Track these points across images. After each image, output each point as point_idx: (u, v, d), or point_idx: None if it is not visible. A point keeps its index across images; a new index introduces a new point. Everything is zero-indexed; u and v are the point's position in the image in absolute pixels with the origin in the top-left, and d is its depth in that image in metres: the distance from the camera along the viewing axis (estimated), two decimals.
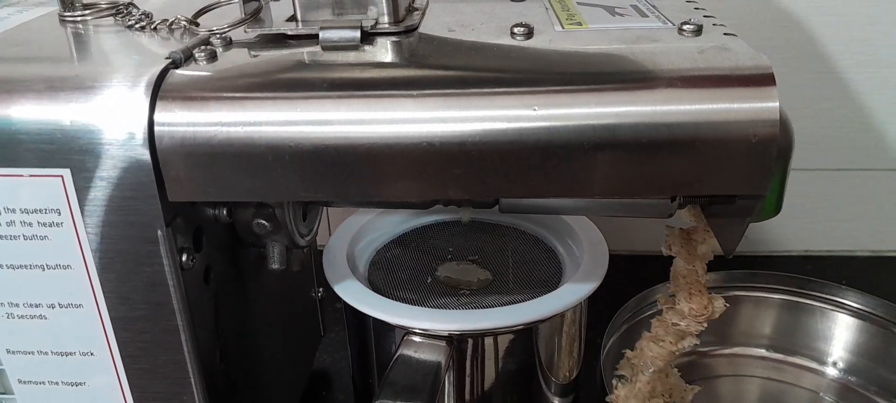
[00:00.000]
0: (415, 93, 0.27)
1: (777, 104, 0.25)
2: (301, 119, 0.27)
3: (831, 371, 0.49)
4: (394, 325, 0.34)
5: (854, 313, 0.48)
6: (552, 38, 0.30)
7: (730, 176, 0.26)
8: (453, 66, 0.28)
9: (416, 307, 0.35)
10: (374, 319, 0.35)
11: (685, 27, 0.29)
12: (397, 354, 0.33)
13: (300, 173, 0.27)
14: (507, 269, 0.42)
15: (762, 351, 0.50)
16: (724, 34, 0.29)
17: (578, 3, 0.35)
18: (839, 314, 0.48)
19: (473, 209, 0.42)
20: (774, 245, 0.67)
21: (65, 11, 0.36)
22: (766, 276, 0.50)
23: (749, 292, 0.50)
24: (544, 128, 0.26)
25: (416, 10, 0.34)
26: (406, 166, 0.27)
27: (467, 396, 0.37)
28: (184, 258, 0.30)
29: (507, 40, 0.30)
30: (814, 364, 0.49)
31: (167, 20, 0.34)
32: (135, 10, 0.35)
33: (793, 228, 0.66)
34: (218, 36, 0.31)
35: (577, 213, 0.40)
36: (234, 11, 0.33)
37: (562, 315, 0.37)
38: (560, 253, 0.42)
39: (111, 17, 0.35)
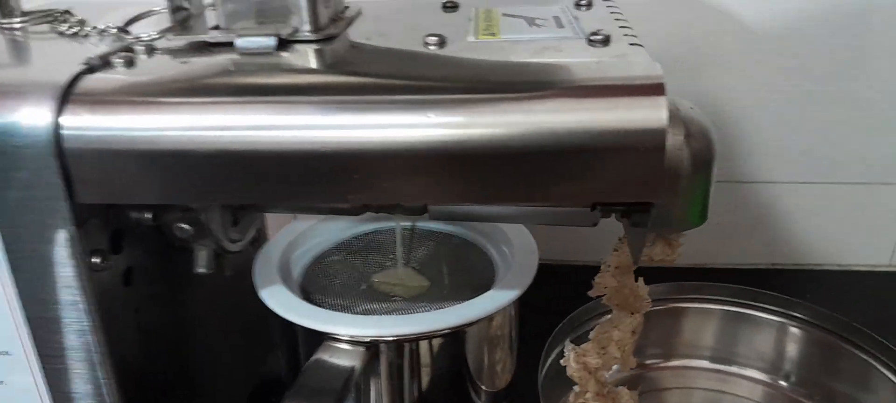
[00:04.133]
0: (316, 99, 0.27)
1: (664, 113, 0.25)
2: (203, 124, 0.27)
3: (778, 383, 0.48)
4: (309, 330, 0.34)
5: (800, 324, 0.48)
6: (462, 48, 0.30)
7: (621, 183, 0.26)
8: (359, 74, 0.29)
9: (332, 312, 0.36)
10: (294, 324, 0.35)
11: (593, 38, 0.30)
12: (312, 358, 0.33)
13: (203, 177, 0.27)
14: (445, 277, 0.42)
15: (707, 363, 0.50)
16: (630, 45, 0.29)
17: (504, 15, 0.35)
18: (786, 325, 0.48)
19: (405, 215, 0.42)
20: (742, 258, 0.67)
21: (3, 18, 0.36)
22: (711, 288, 0.50)
23: (695, 304, 0.50)
24: (438, 135, 0.26)
25: (343, 19, 0.34)
26: (305, 171, 0.27)
27: (391, 397, 0.37)
28: (96, 259, 0.30)
29: (419, 49, 0.30)
30: (761, 376, 0.49)
31: (97, 27, 0.34)
32: (71, 17, 0.36)
33: (760, 241, 0.66)
34: (141, 43, 0.32)
35: (504, 221, 0.40)
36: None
37: (486, 321, 0.37)
38: (496, 261, 0.42)
39: (47, 24, 0.36)
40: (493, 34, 0.32)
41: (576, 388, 0.39)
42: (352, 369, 0.33)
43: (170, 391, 0.38)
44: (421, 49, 0.30)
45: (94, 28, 0.34)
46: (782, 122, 0.60)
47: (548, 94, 0.26)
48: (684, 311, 0.50)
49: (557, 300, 0.48)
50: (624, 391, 0.40)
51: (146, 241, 0.35)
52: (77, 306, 0.30)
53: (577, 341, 0.45)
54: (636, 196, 0.27)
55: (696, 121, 0.33)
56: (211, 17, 0.35)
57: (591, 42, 0.30)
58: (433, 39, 0.30)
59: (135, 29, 0.34)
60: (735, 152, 0.62)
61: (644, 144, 0.26)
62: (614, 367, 0.39)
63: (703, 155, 0.33)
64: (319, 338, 0.35)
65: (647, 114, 0.25)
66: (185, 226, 0.34)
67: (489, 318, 0.37)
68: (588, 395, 0.39)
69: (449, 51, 0.30)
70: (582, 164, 0.26)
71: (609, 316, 0.39)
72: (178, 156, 0.27)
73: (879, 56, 0.57)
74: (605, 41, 0.30)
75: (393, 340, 0.35)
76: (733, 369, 0.49)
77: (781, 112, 0.60)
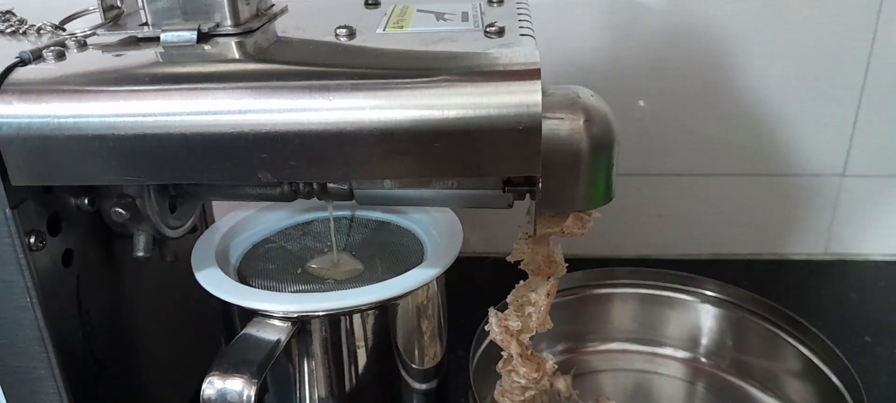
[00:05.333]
0: (225, 85, 0.29)
1: (539, 96, 0.28)
2: (122, 110, 0.29)
3: (697, 359, 0.51)
4: (242, 309, 0.37)
5: (714, 302, 0.50)
6: (368, 39, 0.33)
7: (505, 160, 0.29)
8: (267, 62, 0.31)
9: (256, 290, 0.38)
10: (232, 305, 0.38)
11: (489, 30, 0.32)
12: (241, 333, 0.35)
13: (123, 158, 0.30)
14: (378, 261, 0.44)
15: (633, 345, 0.52)
16: (520, 35, 0.32)
17: (418, 11, 0.38)
18: (700, 304, 0.51)
19: (332, 200, 0.44)
20: (684, 248, 0.69)
21: None
22: (622, 272, 0.53)
23: (610, 289, 0.52)
24: (336, 118, 0.29)
25: (265, 15, 0.37)
26: (216, 151, 0.29)
27: (323, 376, 0.39)
28: (33, 240, 0.33)
29: (329, 40, 0.33)
30: (681, 353, 0.52)
31: (35, 25, 0.37)
32: (12, 17, 0.38)
33: (700, 232, 0.69)
34: (73, 39, 0.34)
35: (426, 205, 0.42)
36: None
37: (410, 299, 0.39)
38: (427, 246, 0.44)
39: None
40: (401, 27, 0.34)
41: (503, 355, 0.42)
42: (276, 342, 0.35)
43: (113, 369, 0.40)
44: (331, 40, 0.33)
45: (33, 26, 0.37)
46: (720, 118, 0.63)
47: (436, 80, 0.29)
48: (609, 296, 0.52)
49: (491, 289, 0.51)
50: (545, 359, 0.43)
51: (87, 226, 0.37)
52: (15, 283, 0.32)
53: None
54: (518, 170, 0.29)
55: (596, 108, 0.36)
56: (142, 15, 0.38)
57: (487, 33, 0.32)
58: (343, 31, 0.33)
59: (71, 26, 0.36)
60: (677, 147, 0.65)
61: (522, 123, 0.28)
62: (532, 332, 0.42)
63: (602, 138, 0.36)
64: (247, 316, 0.38)
65: (523, 97, 0.28)
66: (121, 211, 0.37)
67: (413, 296, 0.39)
68: (514, 361, 0.41)
69: (356, 42, 0.33)
70: (467, 143, 0.29)
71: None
72: (101, 139, 0.30)
73: (808, 55, 0.60)
74: (500, 32, 0.32)
75: (315, 315, 0.37)
76: (657, 349, 0.52)
77: (720, 108, 0.63)
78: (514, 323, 0.40)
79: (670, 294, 0.51)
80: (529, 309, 0.40)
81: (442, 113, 0.28)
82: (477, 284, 0.49)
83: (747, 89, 0.62)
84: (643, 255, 0.69)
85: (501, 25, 0.32)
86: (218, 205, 0.49)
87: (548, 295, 0.40)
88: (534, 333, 0.41)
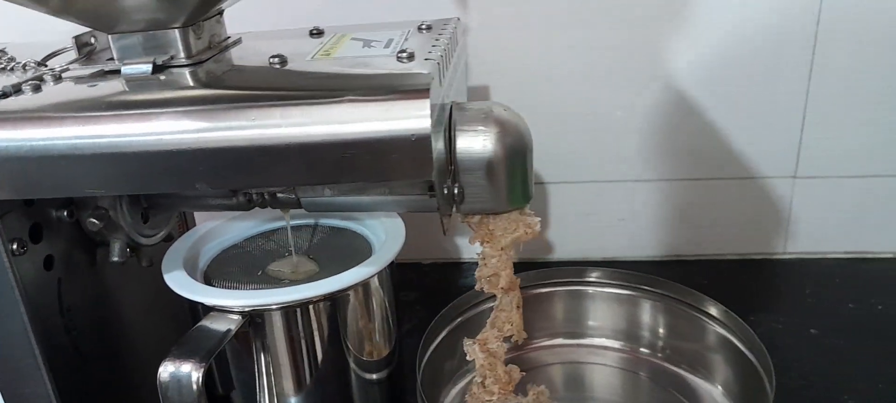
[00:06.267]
0: (169, 110, 0.35)
1: (428, 111, 0.33)
2: (84, 133, 0.35)
3: (642, 351, 0.55)
4: (199, 303, 0.42)
5: (657, 298, 0.54)
6: (297, 66, 0.38)
7: (403, 167, 0.34)
8: (207, 88, 0.37)
9: (213, 288, 0.43)
10: (196, 303, 0.43)
11: (400, 55, 0.37)
12: (195, 325, 0.40)
13: (86, 174, 0.35)
14: (334, 262, 0.49)
15: (573, 340, 0.56)
16: (425, 59, 0.37)
17: (352, 38, 0.43)
18: (635, 297, 0.54)
19: (285, 209, 0.49)
20: (648, 250, 0.73)
21: None
22: (551, 271, 0.57)
23: (550, 288, 0.57)
24: (259, 134, 0.34)
25: (218, 47, 0.42)
26: (161, 165, 0.35)
27: (277, 367, 0.44)
28: (15, 246, 0.38)
29: (265, 67, 0.38)
30: (618, 344, 0.55)
31: (21, 62, 0.42)
32: (3, 55, 0.44)
33: (662, 234, 0.72)
34: (51, 73, 0.40)
35: (363, 210, 0.47)
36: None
37: (353, 294, 0.44)
38: (376, 248, 0.49)
39: None
40: (328, 54, 0.39)
41: (477, 379, 0.46)
42: (226, 332, 0.40)
43: (96, 361, 0.45)
44: (266, 67, 0.38)
45: (19, 63, 0.42)
46: (679, 125, 0.67)
47: (343, 100, 0.33)
48: (549, 295, 0.57)
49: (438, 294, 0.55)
50: (514, 368, 0.47)
51: (67, 234, 0.43)
52: (4, 285, 0.38)
53: (457, 333, 0.52)
54: (416, 175, 0.34)
55: (508, 121, 0.40)
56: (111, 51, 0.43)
57: (398, 58, 0.37)
58: (275, 60, 0.38)
59: (52, 62, 0.42)
60: (636, 153, 0.68)
61: (414, 135, 0.33)
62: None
63: (515, 147, 0.40)
64: (208, 312, 0.43)
65: (414, 111, 0.33)
66: (96, 221, 0.42)
67: (354, 291, 0.44)
68: (488, 380, 0.46)
69: (286, 68, 0.38)
70: (370, 153, 0.33)
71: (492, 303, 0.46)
72: (66, 158, 0.35)
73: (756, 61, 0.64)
74: (410, 57, 0.37)
75: (265, 309, 0.42)
76: (597, 341, 0.56)
77: (678, 115, 0.66)
78: (495, 345, 0.45)
79: (607, 289, 0.55)
80: (508, 327, 0.45)
81: (348, 128, 0.33)
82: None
83: (701, 96, 0.65)
84: (608, 258, 0.73)
85: (412, 50, 0.37)
86: (199, 215, 0.54)
87: (518, 308, 0.45)
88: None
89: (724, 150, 0.68)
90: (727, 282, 0.69)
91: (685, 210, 0.71)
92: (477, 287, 0.45)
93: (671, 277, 0.56)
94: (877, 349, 0.57)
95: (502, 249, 0.43)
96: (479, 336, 0.46)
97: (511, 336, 0.46)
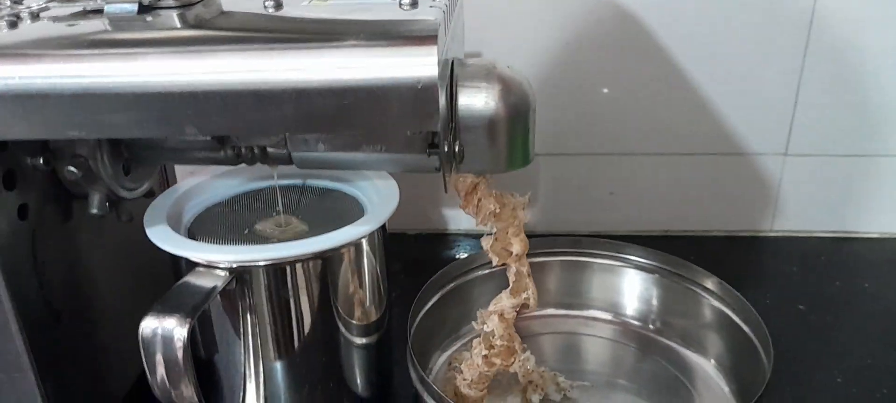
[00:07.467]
0: (157, 50, 0.33)
1: (436, 58, 0.31)
2: (63, 72, 0.33)
3: (634, 323, 0.54)
4: (183, 259, 0.40)
5: (652, 270, 0.53)
6: (293, 10, 0.36)
7: (407, 117, 0.32)
8: (198, 30, 0.34)
9: (198, 243, 0.41)
10: (180, 259, 0.41)
11: (403, 2, 0.35)
12: (180, 281, 0.38)
13: (64, 115, 0.33)
14: (324, 223, 0.47)
15: (564, 310, 0.56)
16: (430, 7, 0.35)
17: None
18: (626, 269, 0.54)
19: (274, 165, 0.47)
20: (636, 225, 0.72)
21: None
22: (546, 241, 0.56)
23: (543, 258, 0.56)
24: (253, 78, 0.32)
25: None
26: (147, 108, 0.32)
27: (263, 326, 0.42)
28: None
29: (258, 11, 0.36)
30: (609, 315, 0.55)
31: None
32: None
33: (651, 209, 0.72)
34: (27, 11, 0.38)
35: (357, 168, 0.45)
36: None
37: (340, 253, 0.42)
38: (368, 209, 0.47)
39: None
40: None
41: (481, 350, 0.45)
42: (212, 289, 0.38)
43: (70, 319, 0.43)
44: (260, 11, 0.36)
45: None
46: (670, 100, 0.66)
47: (344, 44, 0.32)
48: (541, 265, 0.56)
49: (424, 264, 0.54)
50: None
51: (43, 184, 0.41)
52: None
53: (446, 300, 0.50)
54: (420, 126, 0.32)
55: (511, 78, 0.39)
56: None
57: (400, 5, 0.35)
58: (270, 3, 0.36)
59: (29, 0, 0.40)
60: (628, 127, 0.68)
61: (420, 82, 0.31)
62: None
63: (518, 106, 0.39)
64: (192, 268, 0.41)
65: (422, 58, 0.31)
66: (74, 170, 0.40)
67: (347, 251, 0.43)
68: (492, 352, 0.45)
69: (282, 12, 0.36)
70: (372, 100, 0.32)
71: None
72: (43, 97, 0.33)
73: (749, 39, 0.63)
74: (413, 4, 0.35)
75: (253, 266, 0.40)
76: (588, 313, 0.55)
77: (670, 91, 0.65)
78: (511, 315, 0.44)
79: (601, 261, 0.54)
80: (524, 295, 0.45)
81: (348, 74, 0.31)
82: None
83: (694, 72, 0.65)
84: (597, 232, 0.72)
85: None
86: (180, 172, 0.52)
87: (528, 275, 0.44)
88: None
89: (715, 126, 0.67)
90: (714, 258, 0.68)
91: (675, 185, 0.70)
92: (495, 262, 0.44)
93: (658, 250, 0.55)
94: (864, 326, 0.58)
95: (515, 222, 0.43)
96: (492, 308, 0.45)
97: (526, 304, 0.45)
